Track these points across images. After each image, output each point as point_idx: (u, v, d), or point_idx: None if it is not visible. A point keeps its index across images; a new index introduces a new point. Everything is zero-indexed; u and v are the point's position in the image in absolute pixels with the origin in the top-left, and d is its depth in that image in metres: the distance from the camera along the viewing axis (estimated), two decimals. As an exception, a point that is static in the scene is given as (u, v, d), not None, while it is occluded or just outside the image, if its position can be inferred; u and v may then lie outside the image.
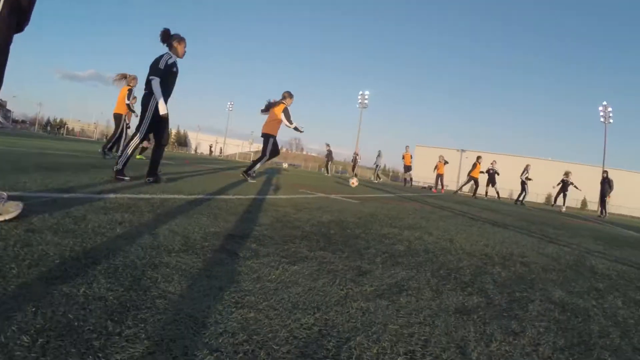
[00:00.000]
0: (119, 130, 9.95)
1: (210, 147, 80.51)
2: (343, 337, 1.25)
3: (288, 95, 8.32)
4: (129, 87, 9.77)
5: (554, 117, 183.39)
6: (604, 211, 18.66)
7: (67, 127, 57.74)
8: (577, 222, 10.74)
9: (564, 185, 18.52)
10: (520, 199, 18.85)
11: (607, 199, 18.45)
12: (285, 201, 4.93)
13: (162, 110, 4.91)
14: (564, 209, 18.32)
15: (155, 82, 4.89)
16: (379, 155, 23.21)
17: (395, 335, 1.33)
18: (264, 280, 1.68)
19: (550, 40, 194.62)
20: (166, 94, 5.00)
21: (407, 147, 22.67)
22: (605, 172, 19.00)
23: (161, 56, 5.00)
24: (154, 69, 4.91)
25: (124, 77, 9.35)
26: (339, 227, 3.36)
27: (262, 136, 8.31)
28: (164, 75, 4.94)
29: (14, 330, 0.99)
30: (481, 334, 1.49)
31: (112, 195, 3.24)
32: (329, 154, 27.18)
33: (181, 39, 5.21)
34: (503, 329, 1.57)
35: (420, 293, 1.85)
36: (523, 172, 18.82)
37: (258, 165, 8.25)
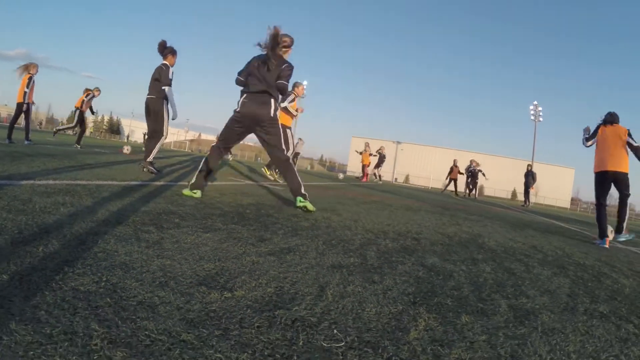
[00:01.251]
0: (16, 117, 10.75)
1: (144, 134, 77.99)
2: (232, 276, 1.79)
3: (296, 84, 8.45)
4: (29, 75, 10.25)
5: (489, 115, 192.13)
6: (527, 201, 20.21)
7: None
8: (497, 209, 11.72)
9: (473, 175, 20.08)
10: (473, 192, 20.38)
11: (531, 190, 19.93)
12: (212, 187, 5.36)
13: (176, 115, 6.54)
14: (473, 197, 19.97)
15: (170, 91, 6.30)
16: (297, 143, 23.19)
17: (272, 277, 1.85)
18: (181, 242, 2.20)
19: (485, 44, 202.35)
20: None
21: (366, 144, 22.81)
22: (529, 165, 20.56)
23: (167, 67, 6.32)
24: (166, 78, 6.28)
25: (26, 68, 10.21)
26: (255, 208, 3.89)
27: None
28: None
29: (-1, 269, 1.46)
30: (344, 281, 1.94)
31: (51, 182, 3.60)
32: None
33: (174, 52, 6.49)
34: (365, 279, 2.01)
35: (305, 254, 2.37)
36: (468, 167, 20.07)
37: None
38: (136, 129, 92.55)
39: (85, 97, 12.67)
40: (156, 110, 6.39)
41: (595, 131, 6.21)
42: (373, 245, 2.95)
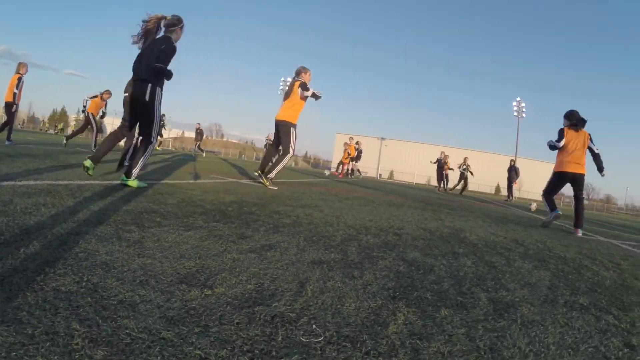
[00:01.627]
0: (9, 117, 10.53)
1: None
2: (212, 273, 1.82)
3: (303, 69, 7.13)
4: (19, 75, 10.41)
5: (473, 110, 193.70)
6: (510, 195, 20.44)
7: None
8: (480, 204, 11.85)
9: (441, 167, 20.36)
10: (459, 187, 20.44)
11: (514, 185, 20.15)
12: (194, 185, 5.40)
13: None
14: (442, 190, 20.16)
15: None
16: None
17: (252, 274, 1.88)
18: (162, 241, 2.23)
19: (469, 39, 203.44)
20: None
21: (350, 138, 22.89)
22: (512, 160, 20.69)
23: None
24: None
25: (17, 68, 10.44)
26: (238, 206, 3.91)
27: (278, 125, 6.97)
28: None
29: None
30: (324, 276, 1.98)
31: (32, 182, 3.58)
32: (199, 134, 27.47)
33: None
34: (345, 274, 2.05)
35: (286, 251, 2.41)
36: (462, 164, 20.09)
37: (280, 167, 6.86)
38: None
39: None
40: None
41: (562, 132, 6.40)
42: (354, 241, 2.99)
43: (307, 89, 6.73)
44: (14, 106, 10.42)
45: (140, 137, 4.59)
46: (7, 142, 9.66)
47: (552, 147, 6.44)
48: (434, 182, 21.85)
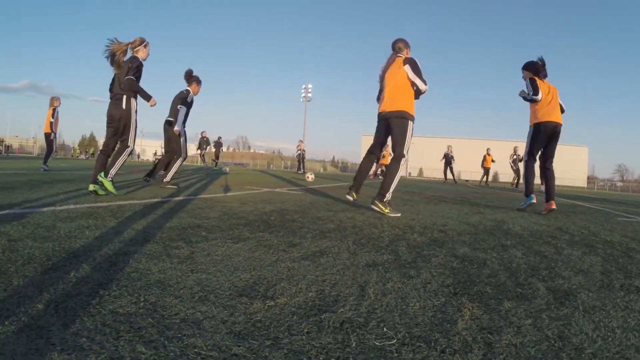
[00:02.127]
0: (49, 147, 11.81)
1: (155, 154, 78.36)
2: (271, 284, 1.73)
3: (403, 44, 4.87)
4: (53, 107, 11.41)
5: (494, 100, 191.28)
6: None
7: (4, 144, 55.46)
8: (513, 195, 11.60)
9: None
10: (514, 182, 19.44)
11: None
12: (231, 198, 5.36)
13: (177, 129, 6.80)
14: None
15: (182, 110, 6.80)
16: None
17: (311, 281, 1.80)
18: (213, 255, 2.15)
19: (492, 32, 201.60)
20: (185, 122, 6.93)
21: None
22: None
23: (188, 92, 6.94)
24: (184, 101, 6.84)
25: (51, 102, 11.49)
26: (279, 215, 3.84)
27: (388, 119, 4.70)
28: (189, 107, 6.95)
29: (28, 303, 1.40)
30: (382, 278, 1.92)
31: (72, 206, 3.58)
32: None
33: (199, 82, 7.10)
34: (402, 274, 2.00)
35: (338, 255, 2.33)
36: (512, 154, 19.31)
37: (394, 182, 4.56)
38: (147, 148, 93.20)
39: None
40: (171, 132, 6.91)
41: (535, 82, 5.65)
42: (402, 241, 2.92)
43: (421, 76, 4.63)
44: (52, 134, 11.49)
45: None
46: (42, 168, 10.34)
47: (529, 99, 5.72)
48: (464, 177, 21.29)
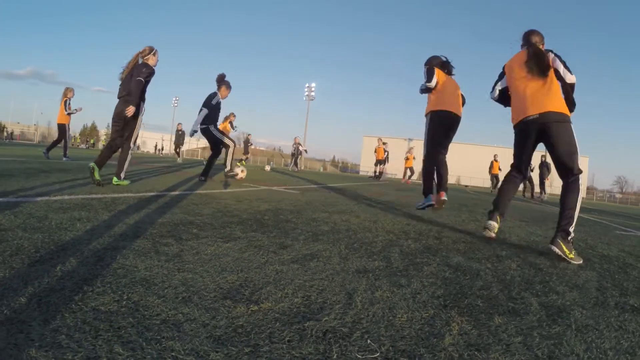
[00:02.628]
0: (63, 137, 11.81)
1: (156, 146, 78.12)
2: (257, 287, 1.72)
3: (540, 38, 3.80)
4: (66, 98, 11.58)
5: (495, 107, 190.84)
6: (543, 192, 19.74)
7: (6, 130, 55.28)
8: (513, 203, 11.55)
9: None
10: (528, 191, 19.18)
11: (546, 181, 19.48)
12: (227, 194, 5.34)
13: (191, 130, 7.46)
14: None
15: (203, 112, 7.30)
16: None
17: (298, 286, 1.78)
18: (202, 254, 2.14)
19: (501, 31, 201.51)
20: (213, 122, 7.48)
21: (379, 139, 22.79)
22: (543, 156, 19.61)
23: (215, 95, 7.41)
24: (208, 104, 7.35)
25: (64, 93, 11.68)
26: (273, 214, 3.83)
27: (545, 123, 3.42)
28: (213, 109, 7.40)
29: (11, 296, 1.39)
30: (371, 285, 1.90)
31: (66, 197, 3.57)
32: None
33: (229, 87, 7.56)
34: (392, 283, 1.97)
35: (329, 260, 2.31)
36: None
37: (577, 208, 3.47)
38: (148, 140, 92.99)
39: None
40: (211, 133, 7.50)
41: (432, 71, 4.99)
42: (396, 247, 2.89)
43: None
44: (65, 126, 11.67)
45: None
46: (64, 159, 10.57)
47: (422, 88, 5.07)
48: (463, 182, 21.17)
